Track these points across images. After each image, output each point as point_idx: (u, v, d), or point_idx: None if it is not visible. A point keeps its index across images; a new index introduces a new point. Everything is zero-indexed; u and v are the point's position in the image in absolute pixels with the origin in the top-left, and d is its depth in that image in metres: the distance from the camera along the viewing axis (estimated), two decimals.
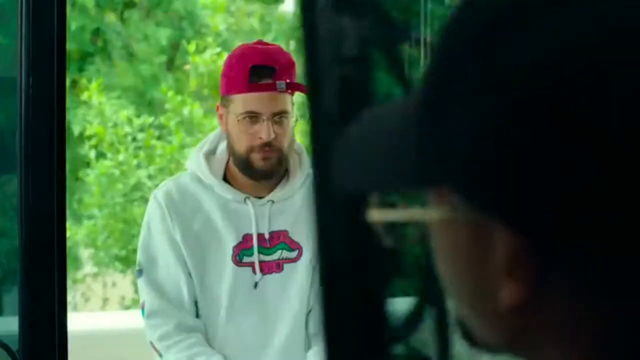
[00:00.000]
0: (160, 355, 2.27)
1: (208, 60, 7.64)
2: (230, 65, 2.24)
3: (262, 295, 2.26)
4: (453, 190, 0.53)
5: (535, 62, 0.50)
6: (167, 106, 7.63)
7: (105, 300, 8.23)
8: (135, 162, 7.43)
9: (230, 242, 2.26)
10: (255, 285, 2.26)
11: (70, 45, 8.74)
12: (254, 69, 2.18)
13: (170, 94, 7.58)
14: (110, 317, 4.71)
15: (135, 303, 7.83)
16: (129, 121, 7.52)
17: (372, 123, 0.60)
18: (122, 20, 9.35)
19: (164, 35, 8.90)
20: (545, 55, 0.50)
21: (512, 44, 0.51)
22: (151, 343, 2.29)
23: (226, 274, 2.25)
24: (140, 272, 2.31)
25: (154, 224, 2.29)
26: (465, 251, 0.54)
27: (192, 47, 7.75)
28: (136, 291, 7.73)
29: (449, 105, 0.53)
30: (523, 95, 0.50)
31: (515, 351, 0.55)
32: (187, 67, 8.18)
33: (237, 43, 7.81)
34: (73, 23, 8.86)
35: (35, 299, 2.12)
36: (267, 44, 2.29)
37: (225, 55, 7.57)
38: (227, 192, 2.27)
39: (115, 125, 7.54)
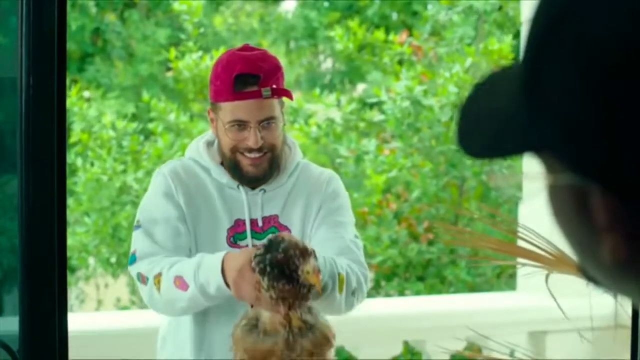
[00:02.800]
0: (144, 281, 2.24)
1: (191, 64, 7.63)
2: (216, 73, 2.27)
3: None
4: (554, 157, 0.57)
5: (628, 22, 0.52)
6: (153, 114, 7.61)
7: (100, 302, 8.23)
8: (121, 167, 7.41)
9: (225, 224, 2.31)
10: None
11: (70, 46, 8.73)
12: (239, 78, 2.22)
13: (153, 102, 7.56)
14: (107, 317, 4.70)
15: (131, 304, 7.82)
16: (113, 126, 7.49)
17: (488, 90, 0.65)
18: (122, 20, 9.35)
19: (163, 35, 8.90)
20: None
21: (602, 8, 0.54)
22: (138, 276, 2.26)
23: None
24: (138, 226, 2.32)
25: (159, 191, 2.32)
26: (571, 211, 0.59)
27: (172, 54, 7.72)
28: (131, 292, 7.73)
29: (548, 74, 0.56)
30: (617, 61, 0.53)
31: (623, 293, 0.62)
32: (169, 73, 8.15)
33: (221, 46, 7.80)
34: (73, 23, 8.85)
35: (36, 298, 2.12)
36: (252, 49, 2.31)
37: (207, 58, 7.59)
38: (222, 176, 2.32)
39: (101, 129, 7.51)
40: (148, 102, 7.55)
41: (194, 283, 2.14)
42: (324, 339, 2.13)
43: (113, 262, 7.55)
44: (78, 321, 3.79)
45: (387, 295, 7.31)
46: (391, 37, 7.55)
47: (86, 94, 8.63)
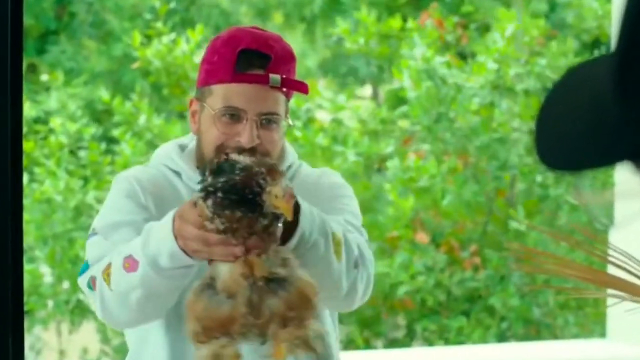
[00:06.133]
0: (94, 285, 2.16)
1: (162, 50, 7.51)
2: (214, 49, 2.24)
3: None
4: None
5: None
6: (117, 118, 7.50)
7: (62, 353, 8.10)
8: (79, 183, 7.32)
9: None
10: None
11: (27, 20, 8.69)
12: (244, 54, 2.18)
13: (116, 101, 7.45)
14: None
15: (102, 355, 7.67)
16: (65, 130, 7.43)
17: (568, 89, 0.67)
18: None
19: (144, 6, 8.89)
20: None
21: None
22: (89, 284, 2.16)
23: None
24: (93, 234, 2.25)
25: (119, 194, 2.26)
26: None
27: (136, 41, 7.58)
28: (102, 340, 7.58)
29: None
30: None
31: None
32: (135, 65, 7.94)
33: (193, 27, 7.69)
34: None
35: None
36: (264, 30, 2.31)
37: (182, 42, 7.48)
38: (194, 182, 2.26)
39: (50, 134, 7.46)
40: (109, 103, 7.47)
41: (144, 255, 2.04)
42: (301, 299, 1.94)
43: (74, 303, 7.41)
44: None
45: (426, 339, 7.30)
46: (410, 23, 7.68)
47: (44, 77, 8.57)
